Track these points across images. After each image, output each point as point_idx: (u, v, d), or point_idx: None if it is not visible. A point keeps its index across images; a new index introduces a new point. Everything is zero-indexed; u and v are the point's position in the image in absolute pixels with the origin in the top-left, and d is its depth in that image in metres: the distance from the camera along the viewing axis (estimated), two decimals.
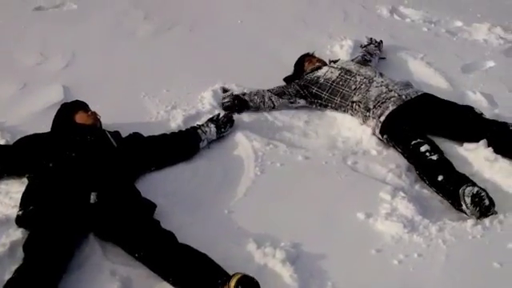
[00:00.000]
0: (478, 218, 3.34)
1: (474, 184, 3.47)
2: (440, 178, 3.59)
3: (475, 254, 3.10)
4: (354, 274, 3.02)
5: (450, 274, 2.97)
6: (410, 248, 3.15)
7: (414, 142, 3.87)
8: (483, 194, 3.36)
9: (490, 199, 3.37)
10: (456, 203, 3.45)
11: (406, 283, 2.96)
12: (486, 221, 3.31)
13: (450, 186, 3.52)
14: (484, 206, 3.34)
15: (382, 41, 5.65)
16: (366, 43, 5.63)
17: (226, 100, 4.62)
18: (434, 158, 3.74)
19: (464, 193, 3.37)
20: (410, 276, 2.99)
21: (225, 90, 4.74)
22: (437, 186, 3.61)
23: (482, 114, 4.10)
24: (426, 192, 3.71)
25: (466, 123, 4.06)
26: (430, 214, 3.45)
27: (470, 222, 3.30)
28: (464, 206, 3.37)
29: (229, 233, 3.32)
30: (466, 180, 3.53)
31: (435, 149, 3.83)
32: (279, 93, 4.67)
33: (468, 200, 3.34)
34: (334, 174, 3.86)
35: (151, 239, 3.06)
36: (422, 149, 3.80)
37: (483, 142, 3.87)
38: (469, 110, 4.15)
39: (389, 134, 4.10)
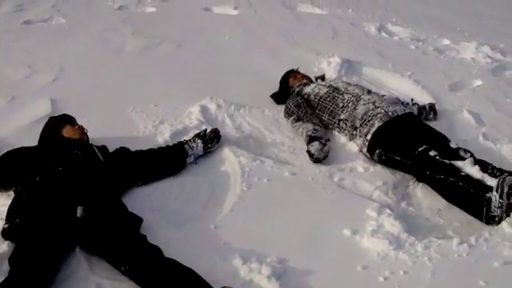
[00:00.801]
0: (503, 213, 3.38)
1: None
2: (463, 173, 3.64)
3: (461, 272, 3.09)
4: None
5: None
6: (396, 265, 3.14)
7: (420, 149, 3.88)
8: None
9: None
10: (481, 191, 3.48)
11: None
12: (472, 239, 3.30)
13: (474, 180, 3.57)
14: None
15: (432, 104, 4.95)
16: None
17: (320, 155, 4.17)
18: (446, 161, 3.78)
19: (505, 181, 3.38)
20: None
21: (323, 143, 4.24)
22: (460, 177, 3.63)
23: (458, 148, 4.04)
24: (412, 210, 3.72)
25: (446, 152, 4.02)
26: (416, 232, 3.45)
27: (456, 240, 3.30)
28: (496, 194, 3.39)
29: (215, 248, 3.31)
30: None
31: (441, 155, 3.85)
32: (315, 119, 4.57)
33: (506, 189, 3.37)
34: (320, 191, 3.85)
35: (137, 253, 3.04)
36: (432, 153, 3.83)
37: (469, 160, 3.86)
38: (445, 141, 4.12)
39: (382, 148, 4.09)
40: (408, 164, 3.97)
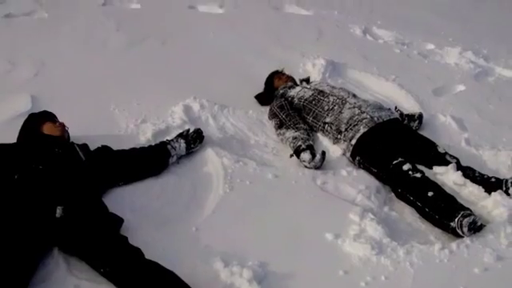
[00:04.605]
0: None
1: (462, 208, 3.51)
2: (430, 193, 3.63)
3: (442, 277, 3.11)
4: None
5: None
6: (378, 270, 3.14)
7: (395, 162, 3.90)
8: (476, 218, 3.43)
9: (479, 219, 3.46)
10: (446, 220, 3.48)
11: None
12: (453, 245, 3.32)
13: (442, 203, 3.57)
14: (477, 227, 3.41)
15: (420, 114, 4.84)
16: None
17: (319, 163, 4.15)
18: (418, 175, 3.78)
19: (462, 224, 3.38)
20: None
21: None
22: (426, 201, 3.63)
23: (446, 153, 4.11)
24: (395, 214, 3.72)
25: (431, 157, 4.09)
26: (398, 237, 3.46)
27: (438, 245, 3.31)
28: (460, 232, 3.40)
29: (196, 250, 3.29)
30: (454, 201, 3.59)
31: (416, 168, 3.86)
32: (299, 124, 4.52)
33: (466, 229, 3.37)
34: (303, 194, 3.84)
35: (118, 255, 3.01)
36: (405, 167, 3.83)
37: (452, 165, 3.90)
38: (432, 146, 4.18)
39: (362, 156, 4.12)
40: (384, 178, 3.99)
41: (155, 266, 2.96)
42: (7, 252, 2.92)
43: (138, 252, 3.06)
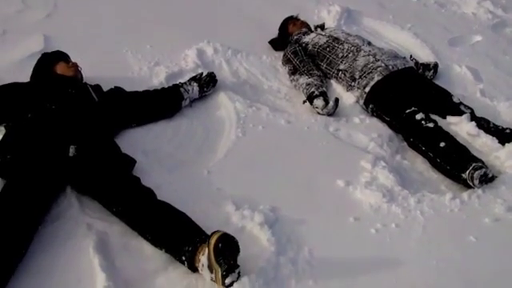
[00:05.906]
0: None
1: (474, 159, 3.48)
2: (442, 144, 3.61)
3: (452, 227, 3.11)
4: (331, 240, 3.01)
5: (426, 246, 2.98)
6: (388, 218, 3.15)
7: (408, 111, 3.87)
8: (488, 171, 3.40)
9: (490, 171, 3.44)
10: (457, 171, 3.47)
11: (382, 252, 2.96)
12: (465, 195, 3.32)
13: (453, 154, 3.55)
14: (488, 179, 3.39)
15: (436, 64, 4.72)
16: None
17: (332, 110, 4.13)
18: (431, 125, 3.76)
19: (473, 177, 3.36)
20: (386, 246, 3.00)
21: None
22: (438, 152, 3.61)
23: (460, 103, 4.06)
24: (407, 163, 3.72)
25: (445, 107, 4.05)
26: (410, 185, 3.46)
27: (449, 195, 3.31)
28: (471, 184, 3.39)
29: (208, 193, 3.30)
30: (466, 152, 3.57)
31: (429, 117, 3.84)
32: (312, 70, 4.48)
33: (477, 182, 3.35)
34: (315, 140, 3.84)
35: (130, 194, 3.03)
36: (418, 117, 3.81)
37: (466, 116, 3.86)
38: (446, 96, 4.13)
39: (375, 104, 4.10)
40: (396, 126, 3.98)
41: (167, 207, 2.98)
42: (21, 189, 2.95)
43: (150, 192, 3.08)
